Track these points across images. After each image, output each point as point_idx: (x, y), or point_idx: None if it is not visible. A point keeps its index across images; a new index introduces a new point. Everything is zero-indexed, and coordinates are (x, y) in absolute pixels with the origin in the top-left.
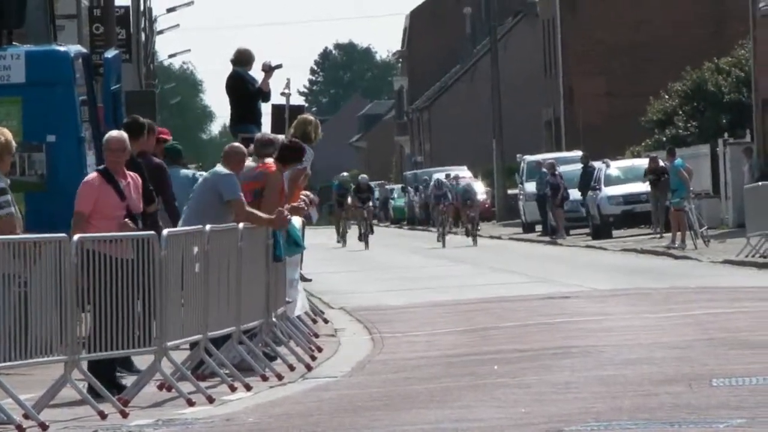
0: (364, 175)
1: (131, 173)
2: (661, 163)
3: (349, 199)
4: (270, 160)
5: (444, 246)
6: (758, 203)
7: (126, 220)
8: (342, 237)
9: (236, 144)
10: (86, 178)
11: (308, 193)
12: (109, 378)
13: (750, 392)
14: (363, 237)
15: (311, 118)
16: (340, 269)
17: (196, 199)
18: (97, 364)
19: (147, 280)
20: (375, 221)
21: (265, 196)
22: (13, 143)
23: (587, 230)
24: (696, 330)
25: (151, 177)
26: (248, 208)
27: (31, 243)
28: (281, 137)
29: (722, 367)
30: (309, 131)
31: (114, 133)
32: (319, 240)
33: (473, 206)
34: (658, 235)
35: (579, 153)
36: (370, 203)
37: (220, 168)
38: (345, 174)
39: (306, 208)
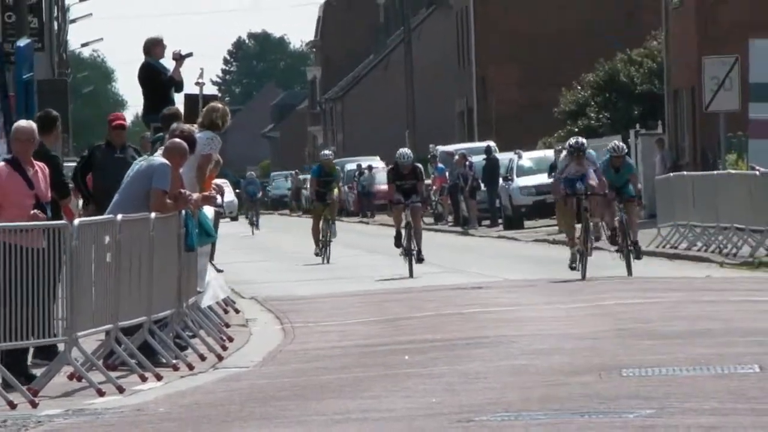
0: (405, 150)
1: (38, 162)
2: None
3: (345, 187)
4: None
5: (584, 278)
6: (669, 194)
7: (35, 210)
8: (323, 247)
9: (178, 140)
10: None
11: (220, 181)
12: (20, 368)
13: (659, 382)
14: (406, 253)
15: (218, 105)
16: (251, 259)
17: (130, 186)
18: (9, 354)
19: (58, 270)
20: (286, 212)
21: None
22: None
23: (488, 222)
24: (607, 320)
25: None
26: (168, 200)
27: None
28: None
29: (632, 357)
30: (215, 119)
31: (22, 122)
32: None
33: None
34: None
35: (491, 143)
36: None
37: (157, 157)
38: (327, 153)
39: (217, 197)
